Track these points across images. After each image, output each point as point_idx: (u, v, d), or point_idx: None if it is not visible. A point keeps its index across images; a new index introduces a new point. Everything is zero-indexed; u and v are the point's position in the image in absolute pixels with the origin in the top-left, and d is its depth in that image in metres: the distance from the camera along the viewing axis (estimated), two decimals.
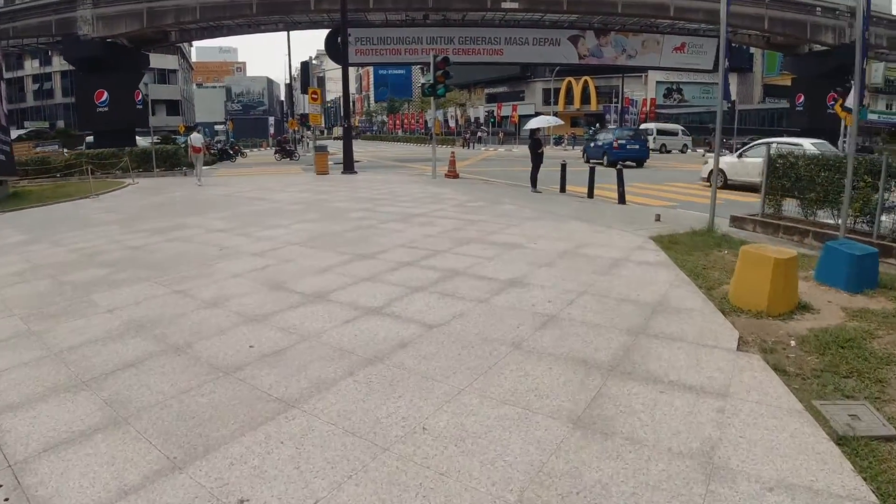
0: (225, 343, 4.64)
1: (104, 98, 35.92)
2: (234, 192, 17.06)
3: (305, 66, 28.22)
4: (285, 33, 42.64)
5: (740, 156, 16.76)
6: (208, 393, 3.76)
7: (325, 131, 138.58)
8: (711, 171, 16.23)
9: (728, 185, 16.15)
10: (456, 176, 19.03)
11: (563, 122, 17.35)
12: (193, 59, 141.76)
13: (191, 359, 4.35)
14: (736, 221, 9.99)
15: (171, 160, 26.70)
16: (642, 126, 34.84)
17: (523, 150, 50.58)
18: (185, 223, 11.11)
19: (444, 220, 10.20)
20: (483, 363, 4.03)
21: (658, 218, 10.19)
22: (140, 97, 36.90)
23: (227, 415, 3.45)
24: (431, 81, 17.37)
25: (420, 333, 4.65)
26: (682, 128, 45.31)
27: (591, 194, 14.85)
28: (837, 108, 28.34)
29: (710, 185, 10.09)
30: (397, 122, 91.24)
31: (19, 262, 8.19)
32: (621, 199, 13.60)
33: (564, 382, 3.71)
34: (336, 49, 35.76)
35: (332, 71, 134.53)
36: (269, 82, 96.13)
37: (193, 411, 3.52)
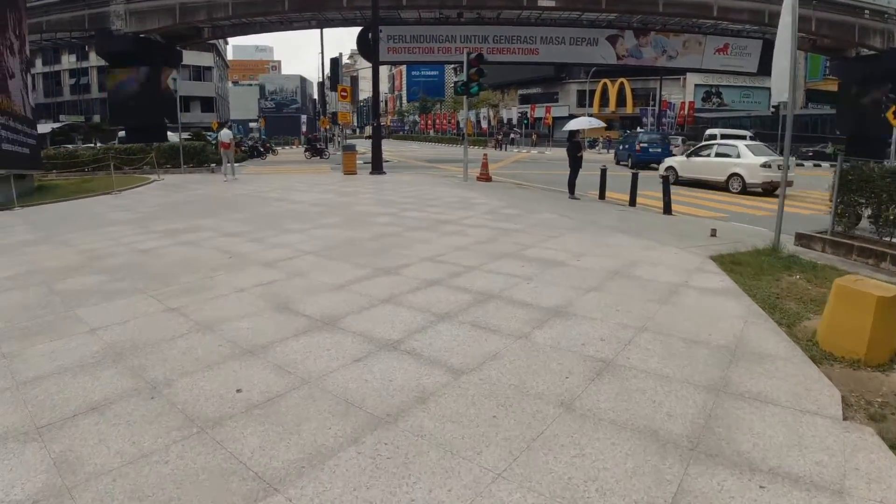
0: (209, 383, 3.84)
1: (133, 92, 35.99)
2: (257, 190, 16.44)
3: (335, 62, 27.60)
4: (319, 32, 42.20)
5: (689, 156, 19.17)
6: (175, 459, 2.95)
7: (357, 130, 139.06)
8: (667, 167, 19.79)
9: (679, 182, 18.25)
10: (488, 179, 18.15)
11: (604, 124, 16.33)
12: (230, 57, 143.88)
13: (165, 404, 3.56)
14: (802, 240, 8.90)
15: (199, 157, 26.32)
16: (707, 132, 33.59)
17: (557, 153, 49.50)
18: (199, 225, 10.44)
19: (475, 230, 9.32)
20: (525, 431, 3.14)
21: (714, 233, 9.17)
22: (164, 92, 36.68)
23: (191, 498, 2.63)
24: (464, 80, 16.52)
25: (445, 382, 3.78)
26: (751, 133, 43.80)
27: (633, 202, 13.85)
28: (889, 116, 26.94)
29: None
30: (429, 122, 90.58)
31: (18, 265, 7.55)
32: (667, 209, 12.59)
33: (633, 470, 2.80)
34: (367, 47, 35.15)
35: (365, 70, 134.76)
36: (302, 80, 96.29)
37: (151, 488, 2.71)
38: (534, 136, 61.46)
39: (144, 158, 26.14)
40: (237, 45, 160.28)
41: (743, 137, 34.98)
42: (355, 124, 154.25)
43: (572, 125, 14.23)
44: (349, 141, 33.68)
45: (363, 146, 44.42)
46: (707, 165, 17.83)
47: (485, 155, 18.70)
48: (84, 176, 23.87)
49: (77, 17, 37.09)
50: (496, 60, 35.89)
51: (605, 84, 64.21)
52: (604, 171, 14.97)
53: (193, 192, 16.40)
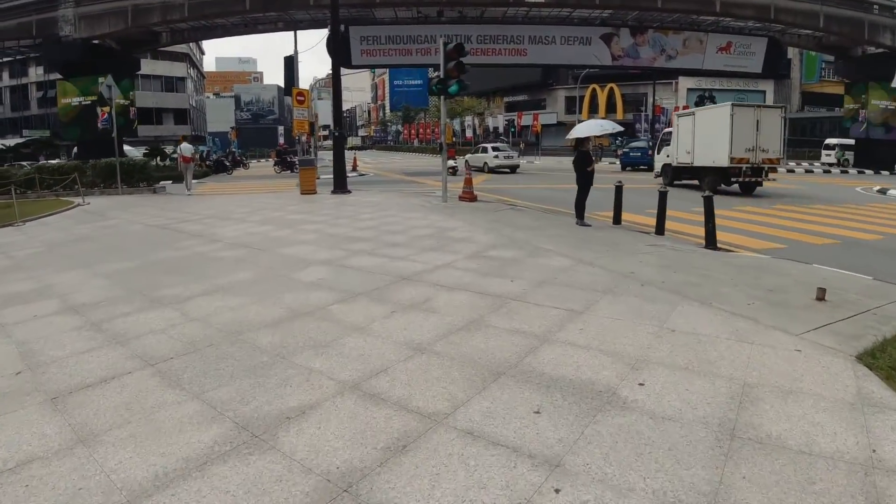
0: None
1: (76, 104, 32.88)
2: (183, 218, 13.01)
3: (290, 61, 24.22)
4: (293, 36, 38.90)
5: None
6: None
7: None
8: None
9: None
10: (473, 198, 14.77)
11: (620, 128, 12.82)
12: (212, 69, 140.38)
13: None
14: None
15: (140, 175, 22.77)
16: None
17: (547, 162, 46.32)
18: (49, 286, 7.02)
19: (450, 297, 5.89)
20: None
21: (822, 296, 5.82)
22: (105, 114, 33.77)
23: None
24: (441, 76, 13.18)
25: None
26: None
27: (661, 229, 10.56)
28: None
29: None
30: (412, 131, 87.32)
31: None
32: (711, 241, 9.31)
33: None
34: (336, 51, 31.86)
35: (347, 77, 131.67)
36: (280, 90, 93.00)
37: None
38: (522, 145, 58.33)
39: (82, 177, 22.66)
40: (220, 58, 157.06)
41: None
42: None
43: (580, 131, 10.85)
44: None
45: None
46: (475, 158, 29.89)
47: (468, 170, 15.30)
48: (8, 200, 20.25)
49: (24, 24, 33.88)
50: (481, 63, 32.72)
51: (594, 89, 61.41)
52: (619, 189, 11.67)
53: (104, 224, 12.97)
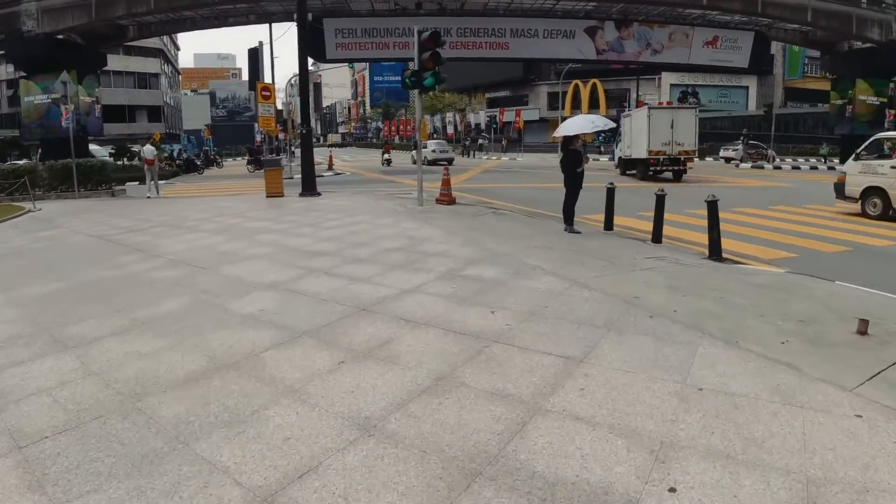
0: None
1: (38, 102, 31.35)
2: (134, 226, 11.74)
3: (254, 53, 22.94)
4: (268, 29, 37.55)
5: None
6: None
7: (321, 139, 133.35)
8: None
9: None
10: (451, 201, 13.63)
11: (613, 124, 11.83)
12: (190, 65, 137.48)
13: None
14: None
15: (97, 177, 21.33)
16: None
17: (530, 160, 45.23)
18: None
19: (416, 338, 4.74)
20: None
21: (864, 329, 4.78)
22: (69, 113, 32.35)
23: None
24: (415, 68, 12.01)
25: None
26: (745, 131, 40.99)
27: (658, 236, 9.52)
28: None
29: None
30: (393, 128, 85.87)
31: None
32: (715, 251, 8.30)
33: None
34: (311, 44, 30.57)
35: (328, 74, 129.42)
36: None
37: None
38: (504, 142, 57.38)
39: (37, 181, 21.23)
40: (199, 54, 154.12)
41: None
42: (318, 132, 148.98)
43: (568, 127, 9.73)
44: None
45: (321, 156, 39.85)
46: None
47: (446, 170, 14.13)
48: None
49: None
50: (461, 56, 31.63)
51: (576, 85, 60.55)
52: (611, 191, 10.61)
53: (46, 235, 11.67)
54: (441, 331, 4.79)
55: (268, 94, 16.37)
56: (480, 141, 57.45)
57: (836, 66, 38.54)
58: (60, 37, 32.38)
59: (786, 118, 56.56)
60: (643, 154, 22.56)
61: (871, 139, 14.24)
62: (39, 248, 10.18)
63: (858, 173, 13.62)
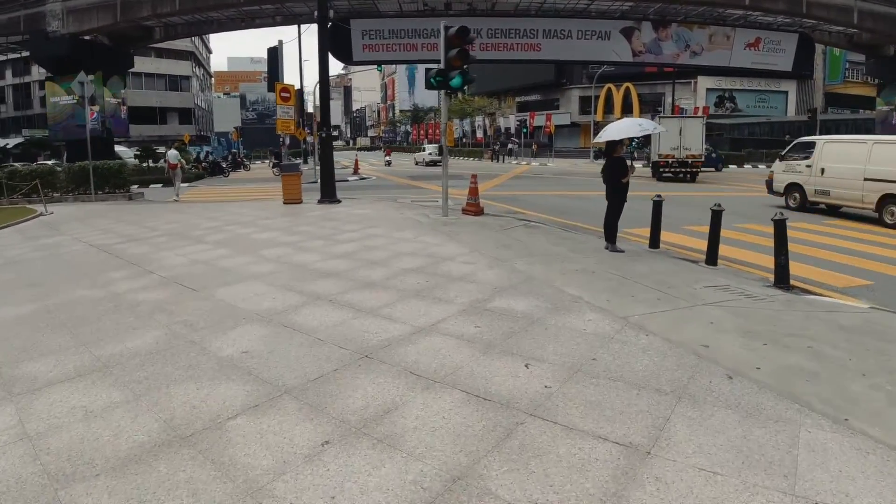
0: None
1: (64, 103, 31.23)
2: (131, 237, 10.92)
3: (273, 53, 22.18)
4: (297, 30, 37.07)
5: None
6: None
7: (351, 142, 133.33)
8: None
9: None
10: (478, 211, 12.57)
11: (663, 129, 10.62)
12: (225, 68, 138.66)
13: None
14: None
15: (115, 180, 20.77)
16: None
17: (561, 165, 43.89)
18: None
19: (429, 406, 3.66)
20: None
21: None
22: (94, 114, 32.31)
23: None
24: (441, 66, 10.99)
25: None
26: (788, 137, 39.50)
27: (714, 258, 8.34)
28: None
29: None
30: (422, 131, 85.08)
31: None
32: (783, 278, 7.13)
33: None
34: (337, 45, 29.88)
35: (358, 77, 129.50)
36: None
37: None
38: (534, 147, 56.09)
39: (53, 181, 20.83)
40: (232, 57, 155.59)
41: None
42: (348, 135, 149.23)
43: (612, 132, 8.56)
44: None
45: (348, 159, 39.36)
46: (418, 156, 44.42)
47: (473, 178, 13.02)
48: None
49: (13, 19, 32.36)
50: (492, 59, 30.56)
51: (609, 89, 58.95)
52: (658, 204, 9.45)
53: (45, 243, 10.97)
54: (461, 394, 3.73)
55: (287, 95, 15.53)
56: (510, 146, 56.30)
57: (881, 71, 36.72)
58: (87, 38, 32.39)
59: (827, 124, 54.33)
60: (654, 157, 26.66)
61: (794, 142, 16.19)
62: (34, 258, 9.42)
63: (783, 171, 15.72)
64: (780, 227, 7.36)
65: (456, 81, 10.85)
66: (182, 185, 29.54)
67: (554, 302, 5.78)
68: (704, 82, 57.29)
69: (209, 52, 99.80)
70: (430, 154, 43.43)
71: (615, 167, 8.62)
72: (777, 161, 16.26)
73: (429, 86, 10.92)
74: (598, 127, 57.18)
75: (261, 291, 6.51)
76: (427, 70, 11.01)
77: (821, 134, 43.82)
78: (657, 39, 30.63)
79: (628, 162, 9.08)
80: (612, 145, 8.63)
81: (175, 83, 74.50)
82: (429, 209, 13.64)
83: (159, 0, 29.44)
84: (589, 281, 6.71)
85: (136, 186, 27.65)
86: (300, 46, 35.90)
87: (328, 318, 5.43)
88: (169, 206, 17.51)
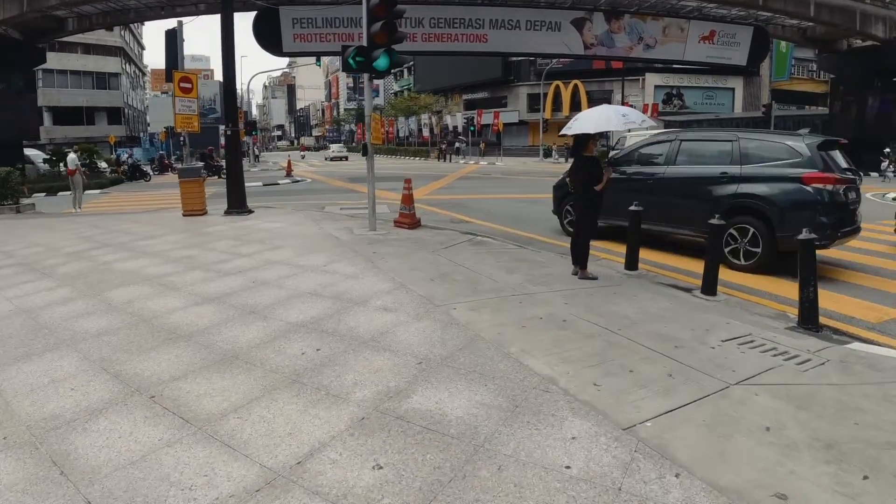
0: None
1: None
2: None
3: (172, 36, 19.45)
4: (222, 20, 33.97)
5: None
6: None
7: (295, 142, 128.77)
8: None
9: None
10: (414, 224, 10.30)
11: (653, 123, 8.42)
12: (163, 66, 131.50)
13: None
14: None
15: (2, 189, 17.58)
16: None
17: (510, 164, 41.95)
18: None
19: None
20: None
21: None
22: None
23: None
24: (363, 44, 8.71)
25: None
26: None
27: (713, 287, 6.34)
28: None
29: None
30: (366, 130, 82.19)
31: None
32: (810, 318, 5.23)
33: None
34: (265, 35, 27.08)
35: (304, 71, 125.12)
36: (221, 86, 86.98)
37: None
38: (482, 145, 54.21)
39: None
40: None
41: None
42: (292, 135, 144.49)
43: (584, 122, 6.32)
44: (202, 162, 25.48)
45: (292, 160, 36.74)
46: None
47: (407, 182, 10.58)
48: None
49: None
50: (435, 50, 28.36)
51: (557, 86, 57.59)
52: (637, 216, 7.40)
53: None
54: None
55: (188, 86, 12.85)
56: (457, 144, 54.34)
57: (835, 65, 36.23)
58: None
59: (774, 121, 54.30)
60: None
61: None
62: None
63: None
64: (807, 251, 5.40)
65: (381, 62, 8.55)
66: (93, 191, 26.58)
67: (512, 393, 3.57)
68: (652, 79, 56.64)
69: (142, 48, 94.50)
70: (333, 152, 53.69)
71: (587, 170, 6.47)
72: None
73: (346, 67, 8.61)
74: (547, 125, 56.07)
75: (63, 374, 4.11)
76: (344, 49, 8.67)
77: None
78: (609, 31, 29.01)
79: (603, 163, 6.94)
80: (583, 140, 6.48)
81: (103, 81, 69.56)
82: (356, 221, 11.29)
83: None
84: (562, 341, 4.53)
85: (44, 194, 24.46)
86: (232, 39, 32.76)
87: (131, 442, 3.09)
88: (56, 220, 14.60)
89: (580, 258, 6.69)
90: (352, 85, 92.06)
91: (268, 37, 26.77)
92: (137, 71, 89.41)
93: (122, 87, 73.40)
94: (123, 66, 74.53)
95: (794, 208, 7.39)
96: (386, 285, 6.23)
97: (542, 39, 28.27)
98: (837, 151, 7.97)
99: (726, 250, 7.79)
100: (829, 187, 7.27)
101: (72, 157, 19.58)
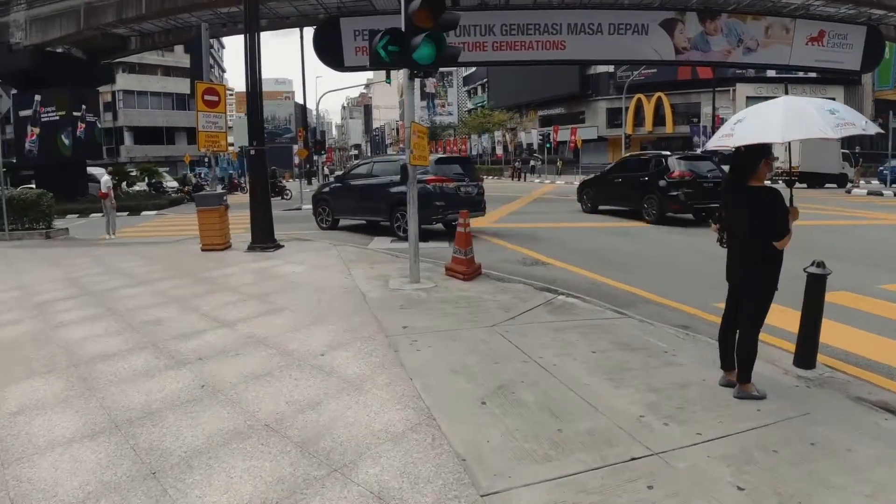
0: None
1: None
2: None
3: (196, 44, 17.70)
4: (300, 40, 33.05)
5: None
6: None
7: None
8: None
9: None
10: (471, 273, 7.66)
11: (879, 129, 5.47)
12: (242, 89, 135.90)
13: None
14: None
15: (32, 213, 16.36)
16: None
17: None
18: None
19: None
20: None
21: None
22: (83, 128, 28.52)
23: None
24: (400, 28, 6.29)
25: None
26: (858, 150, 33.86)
27: None
28: None
29: None
30: (439, 148, 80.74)
31: None
32: None
33: None
34: (326, 49, 25.42)
35: (381, 91, 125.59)
36: (297, 107, 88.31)
37: None
38: (559, 163, 51.15)
39: None
40: None
41: None
42: (368, 154, 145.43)
43: (758, 129, 3.52)
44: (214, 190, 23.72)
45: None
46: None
47: (463, 215, 7.88)
48: None
49: None
50: (507, 59, 25.91)
51: (639, 100, 53.95)
52: (819, 280, 4.50)
53: None
54: None
55: (215, 99, 10.86)
56: (532, 162, 51.58)
57: None
58: (60, 50, 29.11)
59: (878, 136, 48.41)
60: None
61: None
62: None
63: None
64: None
65: (423, 52, 6.04)
66: (150, 212, 25.62)
67: None
68: (744, 89, 51.92)
69: (222, 70, 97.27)
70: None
71: (764, 209, 3.67)
72: None
73: (375, 60, 6.17)
74: (629, 141, 52.24)
75: None
76: (371, 37, 6.22)
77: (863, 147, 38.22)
78: (704, 33, 25.63)
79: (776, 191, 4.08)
80: (755, 158, 3.70)
81: (182, 102, 71.69)
82: (400, 263, 8.76)
83: (124, 4, 25.60)
84: None
85: (77, 216, 23.53)
86: (302, 54, 31.76)
87: None
88: (74, 250, 12.91)
89: (744, 364, 3.87)
90: (424, 104, 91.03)
91: (329, 50, 25.17)
92: None
93: None
94: None
95: None
96: (401, 414, 3.63)
97: (627, 44, 25.24)
98: None
99: None
100: None
101: (105, 178, 18.24)
